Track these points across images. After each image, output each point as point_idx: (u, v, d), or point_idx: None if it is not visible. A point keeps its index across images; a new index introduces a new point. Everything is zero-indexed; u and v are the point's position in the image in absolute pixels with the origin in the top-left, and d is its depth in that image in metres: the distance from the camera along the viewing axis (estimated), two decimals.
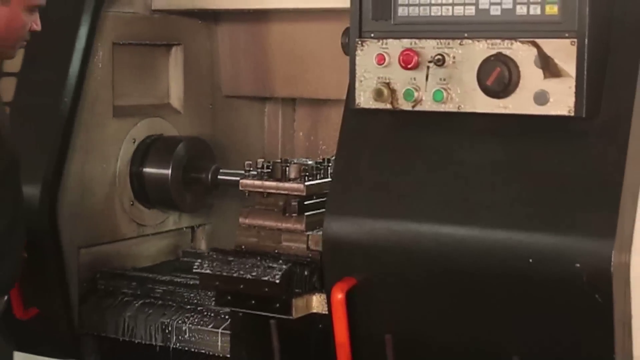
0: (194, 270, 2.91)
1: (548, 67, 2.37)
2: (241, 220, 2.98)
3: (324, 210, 2.72)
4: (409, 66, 2.51)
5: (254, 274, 2.77)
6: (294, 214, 2.90)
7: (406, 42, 2.53)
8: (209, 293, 2.98)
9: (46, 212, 3.20)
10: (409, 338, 2.58)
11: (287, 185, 2.91)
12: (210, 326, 3.09)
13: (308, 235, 2.86)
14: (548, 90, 2.37)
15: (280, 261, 2.79)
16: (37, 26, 2.90)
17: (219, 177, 3.60)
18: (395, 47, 2.54)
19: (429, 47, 2.50)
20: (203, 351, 3.08)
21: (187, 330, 3.12)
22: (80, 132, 3.17)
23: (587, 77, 2.35)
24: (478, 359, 2.48)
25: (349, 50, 2.63)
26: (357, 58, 2.60)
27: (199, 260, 2.92)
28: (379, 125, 2.64)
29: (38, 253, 3.14)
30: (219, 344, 3.06)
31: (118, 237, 3.52)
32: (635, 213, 2.37)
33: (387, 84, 2.55)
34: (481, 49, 2.44)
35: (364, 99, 2.59)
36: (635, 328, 2.38)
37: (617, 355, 2.34)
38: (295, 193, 2.90)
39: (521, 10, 2.41)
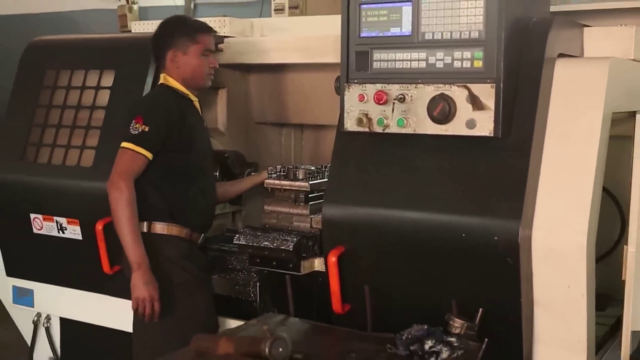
0: (234, 242, 2.92)
1: (475, 103, 2.37)
2: (265, 207, 2.98)
3: (322, 200, 2.72)
4: (381, 102, 2.51)
5: (275, 244, 2.78)
6: (301, 203, 2.91)
7: (379, 86, 2.52)
8: (244, 257, 2.96)
9: None
10: (380, 288, 2.57)
11: (296, 183, 2.92)
12: (245, 280, 3.07)
13: (311, 217, 2.86)
14: (475, 119, 2.37)
15: (293, 235, 2.80)
16: (215, 64, 3.03)
17: None
18: (371, 89, 2.54)
19: (394, 89, 2.50)
20: (242, 297, 3.07)
21: (230, 282, 3.12)
22: None
23: (502, 110, 2.35)
24: (428, 302, 2.46)
25: (340, 91, 2.63)
26: (345, 96, 2.60)
27: (237, 235, 2.92)
28: (360, 142, 2.64)
29: None
30: (252, 291, 3.05)
31: None
32: (535, 202, 2.36)
33: (366, 114, 2.55)
34: (429, 91, 2.44)
35: (350, 125, 2.59)
36: (535, 281, 2.38)
37: (522, 299, 2.36)
38: (302, 189, 2.91)
39: (457, 64, 2.41)
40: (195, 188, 2.98)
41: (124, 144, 2.82)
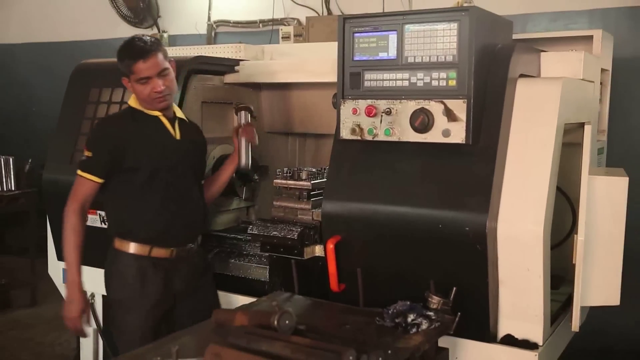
0: (248, 232, 2.90)
1: (450, 115, 2.37)
2: (275, 202, 2.98)
3: (322, 197, 2.72)
4: (371, 115, 2.51)
5: (282, 233, 2.78)
6: (304, 199, 2.90)
7: (369, 101, 2.52)
8: (256, 245, 2.95)
9: None
10: (370, 270, 2.57)
11: (300, 182, 2.91)
12: (257, 263, 3.06)
13: (313, 211, 2.85)
14: (450, 129, 2.37)
15: (297, 226, 2.79)
16: (158, 88, 2.61)
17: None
18: (362, 104, 2.54)
19: (382, 104, 2.50)
20: (254, 278, 3.05)
21: (245, 266, 3.10)
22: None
23: (472, 121, 2.35)
24: (410, 282, 2.46)
25: (336, 105, 2.63)
26: (341, 110, 2.60)
27: (250, 226, 2.91)
28: (353, 149, 2.63)
29: None
30: (263, 273, 3.04)
31: None
32: (499, 198, 2.37)
33: (358, 125, 2.55)
34: (412, 105, 2.44)
35: (345, 134, 2.59)
36: (500, 264, 2.38)
37: (489, 279, 2.36)
38: (305, 187, 2.90)
39: (435, 82, 2.41)
40: (148, 204, 2.65)
41: (77, 171, 2.63)
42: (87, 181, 2.60)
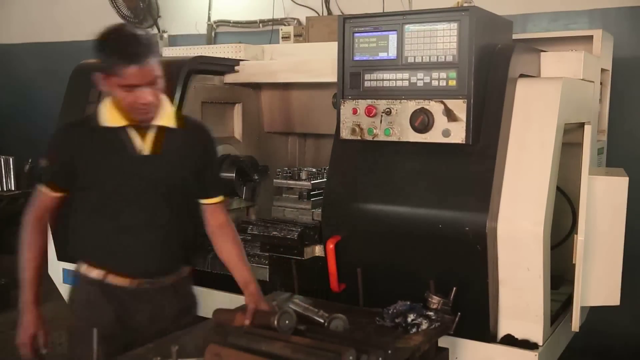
0: (248, 232, 2.90)
1: (450, 115, 2.38)
2: (275, 202, 2.98)
3: (322, 197, 2.72)
4: (370, 115, 2.51)
5: (282, 233, 2.78)
6: (304, 199, 2.90)
7: (369, 101, 2.52)
8: (257, 244, 2.95)
9: None
10: (370, 270, 2.57)
11: (300, 182, 2.92)
12: (257, 263, 3.04)
13: (313, 211, 2.87)
14: (450, 129, 2.38)
15: (297, 226, 2.79)
16: (145, 99, 2.10)
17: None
18: (362, 104, 2.54)
19: (382, 104, 2.50)
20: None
21: None
22: None
23: (472, 121, 2.36)
24: (410, 282, 2.45)
25: (336, 105, 2.63)
26: (341, 110, 2.60)
27: (251, 226, 2.91)
28: (353, 148, 2.63)
29: None
30: (263, 273, 3.01)
31: None
32: (499, 198, 2.37)
33: (358, 125, 2.55)
34: (412, 105, 2.44)
35: (345, 134, 2.59)
36: (500, 264, 2.38)
37: (489, 280, 2.36)
38: (305, 187, 2.91)
39: (435, 82, 2.41)
40: (100, 228, 2.24)
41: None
42: (42, 192, 2.25)
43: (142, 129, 2.22)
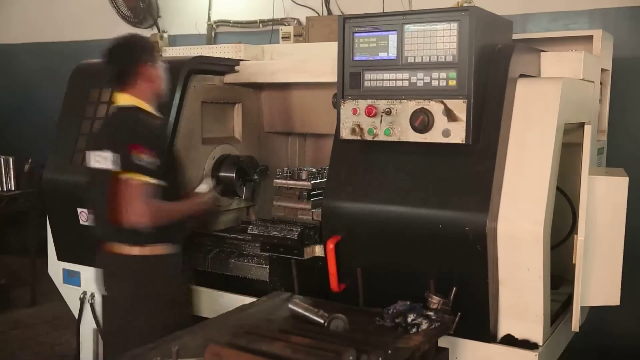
0: (248, 232, 2.89)
1: (450, 115, 2.38)
2: (275, 202, 2.98)
3: (322, 197, 2.72)
4: (370, 115, 2.51)
5: (282, 233, 2.77)
6: (304, 199, 2.89)
7: (369, 101, 2.52)
8: (256, 245, 2.95)
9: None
10: (370, 270, 2.56)
11: (300, 182, 2.91)
12: (257, 263, 3.05)
13: (313, 211, 2.85)
14: (450, 129, 2.38)
15: (297, 226, 2.78)
16: None
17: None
18: (362, 104, 2.54)
19: (382, 104, 2.50)
20: (254, 278, 3.05)
21: (245, 265, 3.08)
22: (182, 152, 3.11)
23: (472, 121, 2.36)
24: (410, 282, 2.45)
25: (336, 105, 2.63)
26: (341, 110, 2.60)
27: (251, 226, 2.90)
28: (353, 149, 2.63)
29: None
30: (263, 273, 3.02)
31: None
32: (499, 199, 2.37)
33: (358, 125, 2.55)
34: (412, 105, 2.44)
35: (345, 134, 2.59)
36: (500, 264, 2.38)
37: (489, 280, 2.36)
38: (305, 187, 2.90)
39: (435, 82, 2.41)
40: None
41: (135, 176, 2.54)
42: (154, 187, 2.51)
43: None
